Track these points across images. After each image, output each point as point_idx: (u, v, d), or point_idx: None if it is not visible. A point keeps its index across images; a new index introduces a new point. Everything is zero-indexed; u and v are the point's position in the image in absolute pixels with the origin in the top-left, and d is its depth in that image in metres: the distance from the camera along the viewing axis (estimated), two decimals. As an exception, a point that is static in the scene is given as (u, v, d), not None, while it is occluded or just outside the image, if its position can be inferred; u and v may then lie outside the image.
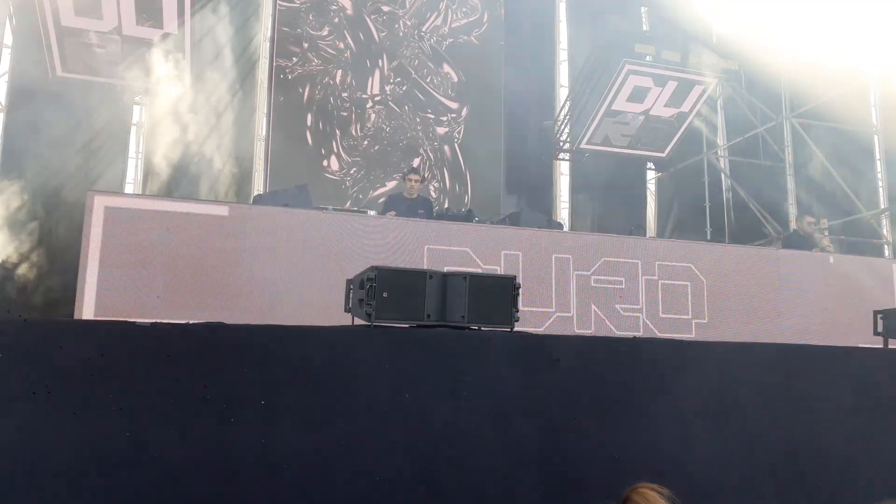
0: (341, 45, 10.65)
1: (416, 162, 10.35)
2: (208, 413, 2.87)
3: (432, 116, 11.04)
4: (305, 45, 10.44)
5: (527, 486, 3.20)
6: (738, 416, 3.64)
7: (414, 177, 6.67)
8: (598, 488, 2.86)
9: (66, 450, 2.68)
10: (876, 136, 11.94)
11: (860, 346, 4.44)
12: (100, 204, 4.65)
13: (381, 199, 8.96)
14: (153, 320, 2.98)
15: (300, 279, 4.96)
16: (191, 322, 3.12)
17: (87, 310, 4.36)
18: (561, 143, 11.80)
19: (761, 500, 3.52)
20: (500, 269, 5.44)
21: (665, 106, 11.26)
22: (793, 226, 9.34)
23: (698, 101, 11.48)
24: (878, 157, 12.00)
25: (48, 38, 8.79)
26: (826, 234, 8.03)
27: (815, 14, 9.90)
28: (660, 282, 5.87)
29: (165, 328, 3.00)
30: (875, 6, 9.46)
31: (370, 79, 10.75)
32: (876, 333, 4.69)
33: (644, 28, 11.76)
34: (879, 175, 11.96)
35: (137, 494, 2.72)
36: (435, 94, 11.09)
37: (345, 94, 10.54)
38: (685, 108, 11.45)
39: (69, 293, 7.98)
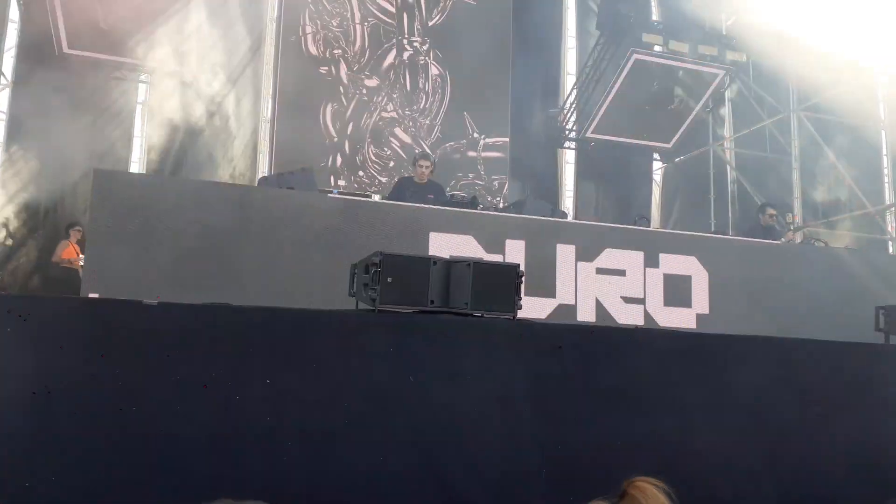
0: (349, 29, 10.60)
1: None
2: (214, 391, 2.89)
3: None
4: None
5: (529, 472, 3.23)
6: (738, 408, 3.66)
7: (424, 162, 6.64)
8: (599, 474, 2.88)
9: (70, 430, 2.71)
10: (883, 132, 11.89)
11: (861, 341, 4.45)
12: (105, 183, 4.66)
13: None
14: (159, 300, 2.99)
15: (304, 262, 4.97)
16: (196, 303, 3.15)
17: (92, 288, 4.38)
18: (567, 132, 11.78)
19: (761, 493, 3.55)
20: (503, 257, 5.45)
21: (672, 97, 11.23)
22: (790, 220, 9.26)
23: (705, 93, 11.44)
24: (884, 152, 11.97)
25: (54, 14, 8.77)
26: (791, 228, 7.98)
27: (824, 7, 9.84)
28: (663, 273, 5.88)
29: (171, 308, 3.02)
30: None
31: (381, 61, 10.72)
32: (877, 329, 4.71)
33: (654, 18, 11.69)
34: (886, 170, 11.93)
35: (141, 473, 2.76)
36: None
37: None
38: (692, 99, 11.41)
39: (73, 271, 8.02)
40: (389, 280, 3.44)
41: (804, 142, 11.20)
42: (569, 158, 12.21)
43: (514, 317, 3.70)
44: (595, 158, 12.02)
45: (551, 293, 5.54)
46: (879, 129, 11.81)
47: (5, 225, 8.51)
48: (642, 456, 3.35)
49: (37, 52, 9.13)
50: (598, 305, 5.65)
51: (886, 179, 11.87)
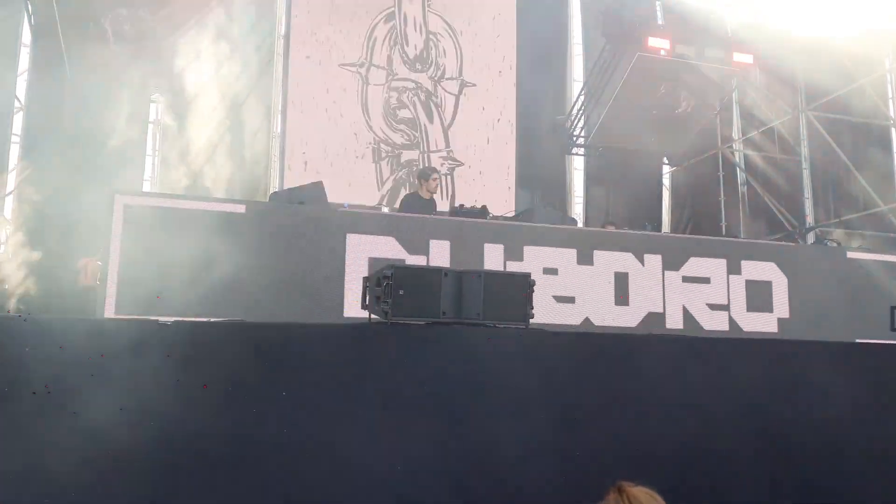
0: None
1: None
2: (232, 404, 2.92)
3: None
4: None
5: (548, 477, 3.24)
6: (756, 410, 3.65)
7: (437, 175, 6.76)
8: (617, 479, 2.88)
9: (85, 444, 2.75)
10: (893, 129, 11.80)
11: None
12: (119, 203, 4.71)
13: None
14: (175, 318, 3.03)
15: (316, 276, 5.00)
16: (212, 320, 3.18)
17: (108, 308, 4.42)
18: (574, 138, 11.77)
19: (779, 494, 3.53)
20: (522, 266, 5.43)
21: (679, 100, 11.21)
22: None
23: (713, 95, 11.41)
24: (895, 150, 11.87)
25: (65, 37, 8.89)
26: None
27: (832, 5, 9.80)
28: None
29: (188, 326, 3.05)
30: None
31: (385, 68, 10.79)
32: (893, 329, 4.68)
33: (659, 22, 11.69)
34: (897, 168, 11.84)
35: (156, 485, 2.78)
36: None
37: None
38: (700, 102, 11.38)
39: (88, 292, 8.08)
40: (401, 292, 3.46)
41: (814, 142, 11.15)
42: (577, 165, 12.21)
43: (526, 326, 3.71)
44: (604, 164, 12.01)
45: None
46: (890, 126, 11.73)
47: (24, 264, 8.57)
48: (660, 460, 3.35)
49: (48, 75, 9.25)
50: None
51: (898, 177, 11.77)
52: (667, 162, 12.63)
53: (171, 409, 2.84)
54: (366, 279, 3.83)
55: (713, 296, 5.90)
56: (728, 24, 11.77)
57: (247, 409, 2.95)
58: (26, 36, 9.57)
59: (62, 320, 3.07)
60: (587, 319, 5.55)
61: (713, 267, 5.94)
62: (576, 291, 5.60)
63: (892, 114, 11.57)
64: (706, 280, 5.91)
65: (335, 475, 2.99)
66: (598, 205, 12.00)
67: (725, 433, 3.59)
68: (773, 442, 3.63)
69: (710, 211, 12.05)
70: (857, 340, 5.52)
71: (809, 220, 10.94)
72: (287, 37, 10.43)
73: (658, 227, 11.55)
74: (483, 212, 6.20)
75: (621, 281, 5.69)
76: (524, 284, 3.76)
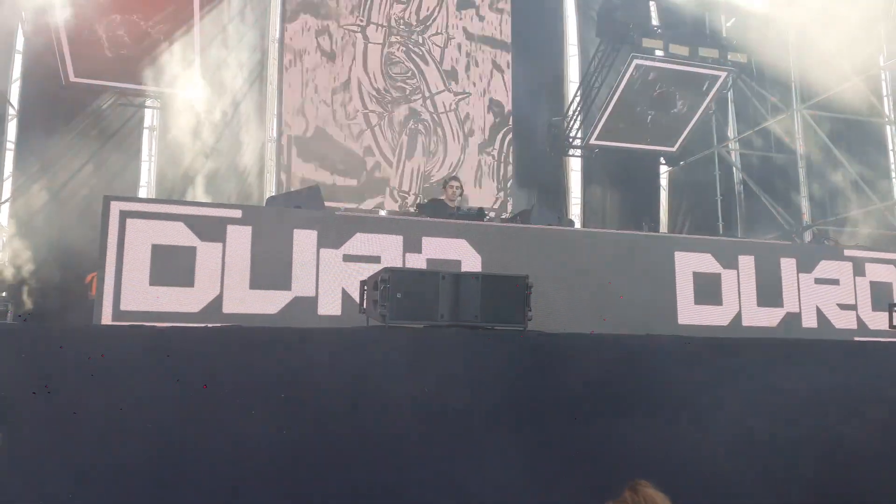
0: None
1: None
2: (229, 406, 2.91)
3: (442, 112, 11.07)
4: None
5: (549, 479, 3.23)
6: (760, 414, 3.63)
7: (455, 183, 6.68)
8: (618, 479, 2.88)
9: (85, 445, 2.74)
10: (888, 127, 11.84)
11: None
12: (115, 209, 4.69)
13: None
14: (172, 324, 3.02)
15: (313, 280, 4.99)
16: (209, 325, 3.17)
17: (105, 314, 4.40)
18: (571, 140, 11.77)
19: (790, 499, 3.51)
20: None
21: (674, 101, 11.24)
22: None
23: (708, 95, 11.43)
24: (890, 147, 11.91)
25: (60, 43, 8.87)
26: None
27: (825, 3, 9.81)
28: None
29: (186, 331, 3.04)
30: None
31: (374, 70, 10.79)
32: (892, 327, 4.67)
33: (654, 22, 11.70)
34: (893, 166, 11.86)
35: (157, 486, 2.77)
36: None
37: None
38: (694, 102, 11.40)
39: (84, 298, 8.06)
40: (399, 296, 3.46)
41: (809, 140, 11.16)
42: (574, 166, 12.21)
43: (524, 328, 3.70)
44: (601, 165, 12.01)
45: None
46: (885, 124, 11.76)
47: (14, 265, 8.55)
48: (662, 461, 3.34)
49: (43, 82, 9.23)
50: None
51: (894, 175, 11.79)
52: (664, 162, 12.64)
53: (171, 410, 2.83)
54: (363, 282, 3.82)
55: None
56: (722, 23, 11.79)
57: (245, 412, 2.94)
58: (20, 42, 9.54)
59: (60, 326, 3.06)
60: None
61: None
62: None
63: (886, 111, 11.60)
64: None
65: (334, 476, 2.98)
66: (596, 206, 12.00)
67: (726, 434, 3.58)
68: (785, 446, 3.61)
69: (707, 210, 12.06)
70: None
71: (806, 218, 10.95)
72: (281, 41, 10.42)
73: (656, 228, 11.55)
74: (480, 213, 6.19)
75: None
76: (522, 286, 3.76)
